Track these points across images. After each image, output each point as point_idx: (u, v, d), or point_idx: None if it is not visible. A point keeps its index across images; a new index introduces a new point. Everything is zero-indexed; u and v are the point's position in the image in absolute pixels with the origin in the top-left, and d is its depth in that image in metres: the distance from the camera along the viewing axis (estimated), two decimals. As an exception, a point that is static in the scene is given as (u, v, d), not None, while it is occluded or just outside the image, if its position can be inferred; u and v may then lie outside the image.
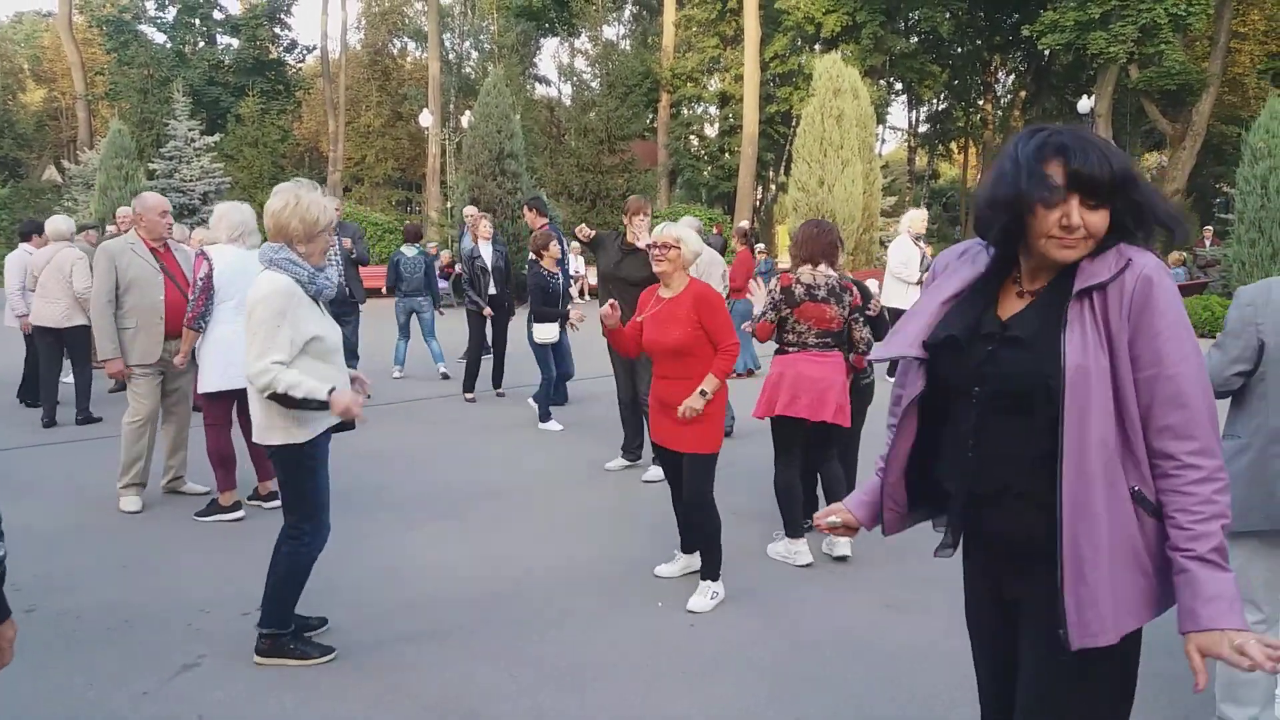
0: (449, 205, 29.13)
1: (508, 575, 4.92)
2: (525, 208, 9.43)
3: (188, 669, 3.80)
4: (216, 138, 25.47)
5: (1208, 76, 29.20)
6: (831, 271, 5.09)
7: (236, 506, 5.84)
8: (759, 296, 5.32)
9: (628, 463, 7.19)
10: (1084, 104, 28.31)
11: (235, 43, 40.51)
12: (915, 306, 2.04)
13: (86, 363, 8.66)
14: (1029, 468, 1.86)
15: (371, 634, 4.14)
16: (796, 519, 5.09)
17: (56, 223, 8.56)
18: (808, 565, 5.03)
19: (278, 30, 42.07)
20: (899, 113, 68.85)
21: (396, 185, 45.97)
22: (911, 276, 10.36)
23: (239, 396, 5.70)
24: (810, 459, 5.21)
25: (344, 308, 8.95)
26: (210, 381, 5.72)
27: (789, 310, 5.01)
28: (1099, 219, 1.80)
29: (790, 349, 5.03)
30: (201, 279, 5.65)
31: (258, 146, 34.85)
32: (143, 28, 39.31)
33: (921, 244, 10.63)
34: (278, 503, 5.65)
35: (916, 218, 11.01)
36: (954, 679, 3.69)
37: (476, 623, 4.30)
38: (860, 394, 5.51)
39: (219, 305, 5.69)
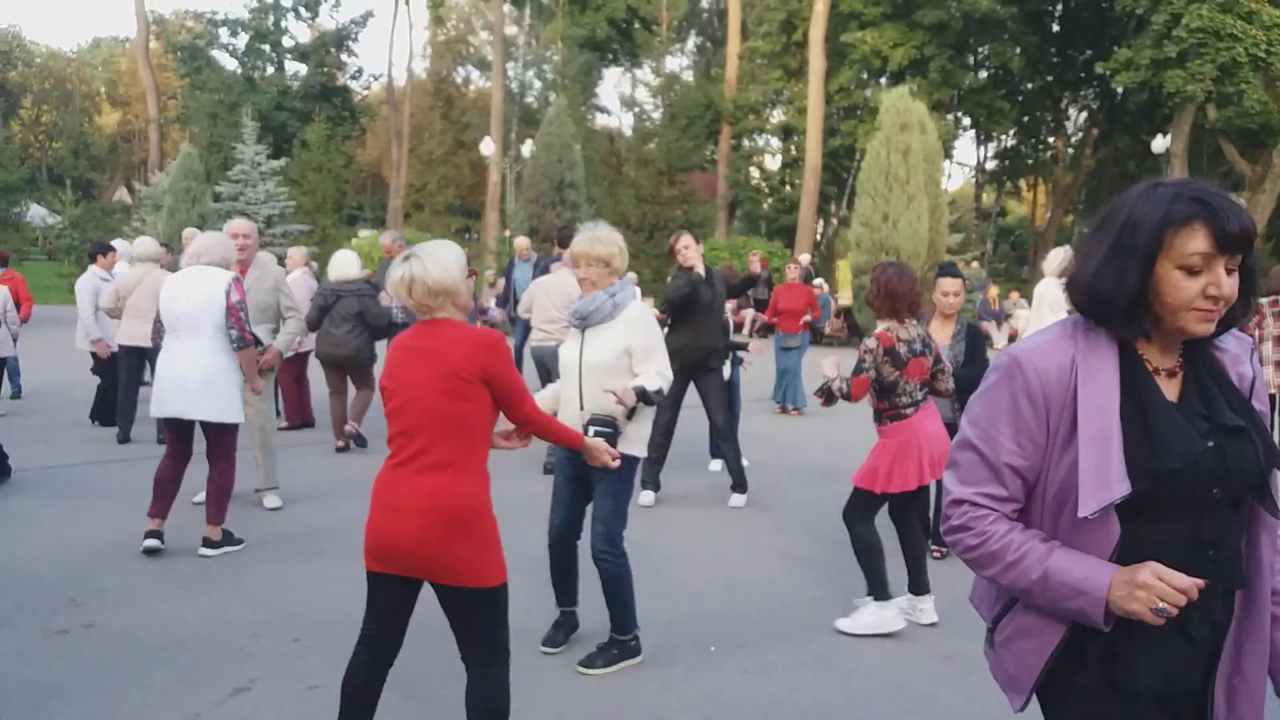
0: (507, 233, 29.29)
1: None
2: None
3: (239, 692, 3.73)
4: (282, 162, 25.83)
5: (1289, 118, 28.38)
6: (915, 320, 4.70)
7: (152, 535, 5.43)
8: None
9: (655, 493, 6.94)
10: (1159, 143, 27.60)
11: (303, 69, 41.42)
12: (1090, 431, 1.69)
13: None
14: (1239, 563, 1.78)
15: (415, 656, 3.96)
16: (884, 579, 4.52)
17: (145, 245, 8.58)
18: (871, 639, 4.47)
19: (344, 57, 43.00)
20: (966, 148, 68.31)
21: (456, 213, 46.45)
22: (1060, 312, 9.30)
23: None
24: (903, 515, 4.77)
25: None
26: (152, 405, 5.44)
27: (898, 373, 4.54)
28: (1234, 284, 1.67)
29: (907, 411, 4.56)
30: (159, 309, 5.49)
31: (322, 172, 35.35)
32: (215, 54, 40.34)
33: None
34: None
35: (1061, 256, 9.50)
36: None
37: (535, 654, 4.09)
38: None
39: (165, 331, 5.46)
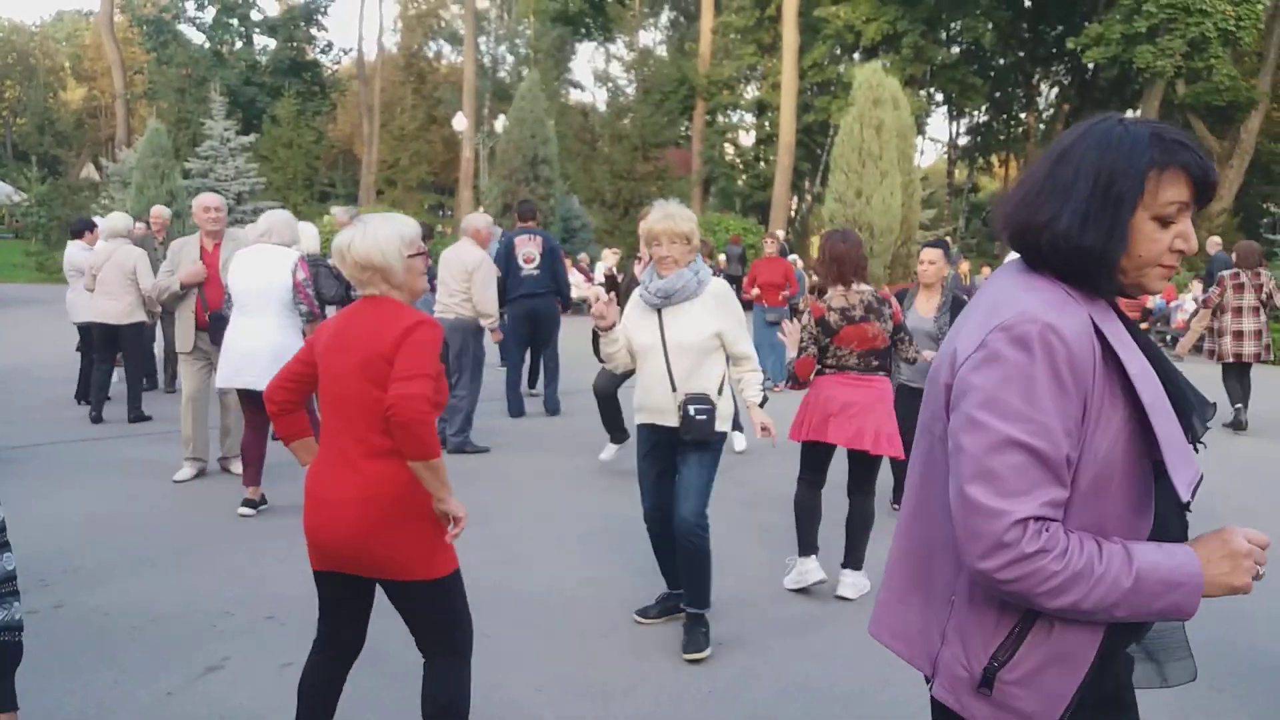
0: (481, 210, 29.12)
1: (536, 584, 4.75)
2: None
3: (212, 670, 3.74)
4: (252, 138, 25.52)
5: (1257, 94, 28.64)
6: (865, 286, 4.75)
7: (250, 504, 5.80)
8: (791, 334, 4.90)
9: (618, 445, 7.24)
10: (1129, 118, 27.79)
11: (272, 43, 40.87)
12: (1149, 398, 1.47)
13: (140, 360, 8.61)
14: None
15: (400, 640, 3.99)
16: (810, 539, 4.74)
17: (115, 220, 8.47)
18: (820, 582, 4.71)
19: (314, 31, 42.42)
20: (939, 124, 68.42)
21: (429, 189, 46.11)
22: None
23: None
24: (849, 487, 4.86)
25: None
26: (221, 377, 5.81)
27: (828, 340, 4.67)
28: None
29: (828, 370, 4.71)
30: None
31: (292, 148, 35.06)
32: (182, 27, 39.72)
33: None
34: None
35: None
36: None
37: (504, 632, 4.14)
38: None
39: (234, 307, 5.78)
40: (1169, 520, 1.52)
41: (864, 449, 4.57)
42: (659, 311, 3.97)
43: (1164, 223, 1.48)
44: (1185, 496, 1.45)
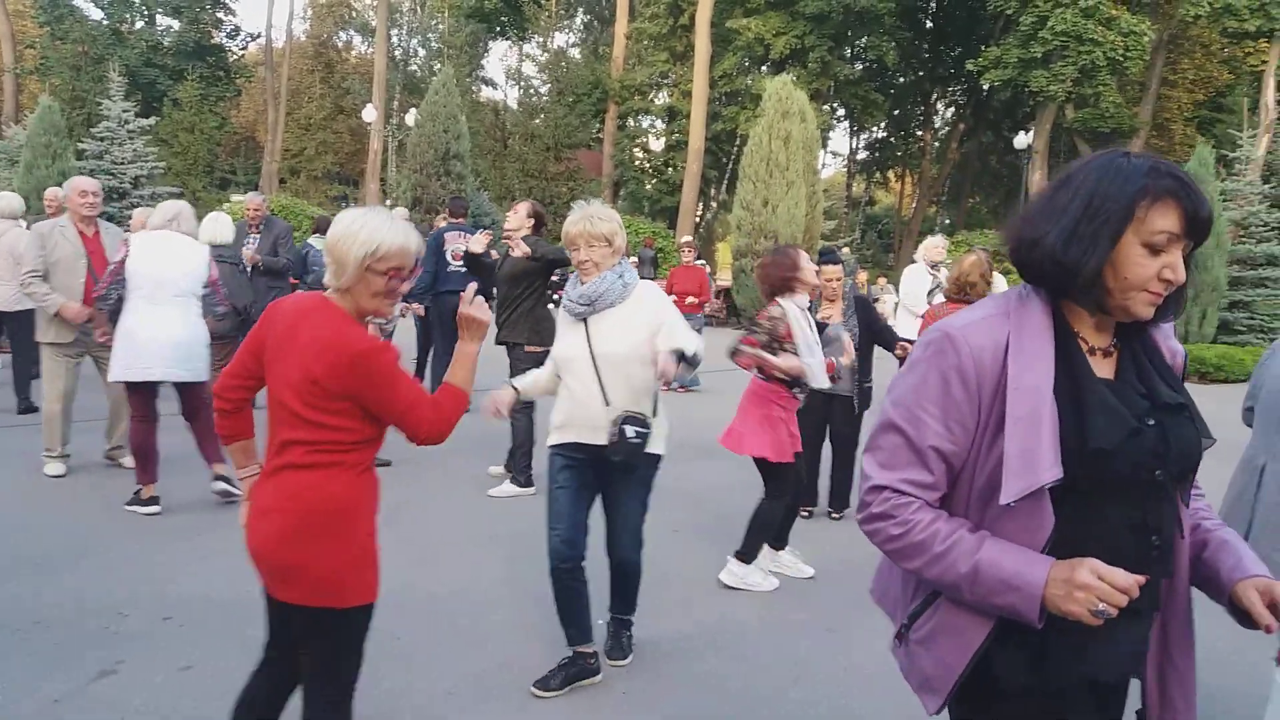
0: (388, 202, 28.67)
1: (439, 587, 4.76)
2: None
3: (105, 675, 3.60)
4: (152, 121, 24.62)
5: (1138, 121, 30.13)
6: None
7: (153, 501, 5.62)
8: None
9: (518, 489, 6.54)
10: (1021, 139, 28.94)
11: (175, 24, 39.49)
12: (1020, 410, 1.57)
13: (29, 349, 8.25)
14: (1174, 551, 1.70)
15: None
16: (784, 536, 5.16)
17: (6, 200, 8.08)
18: (758, 612, 4.77)
19: (221, 15, 41.14)
20: (839, 138, 69.83)
21: (334, 179, 45.19)
22: (918, 307, 8.86)
23: (186, 390, 5.78)
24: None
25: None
26: (114, 371, 5.60)
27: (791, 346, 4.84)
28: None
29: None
30: (114, 264, 5.57)
31: (194, 132, 33.98)
32: (79, 3, 38.07)
33: (938, 272, 9.21)
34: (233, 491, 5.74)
35: (933, 244, 9.35)
36: (899, 702, 3.63)
37: (413, 634, 4.12)
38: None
39: (132, 294, 5.54)
40: (1121, 541, 1.61)
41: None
42: (585, 321, 3.65)
43: (1153, 250, 1.55)
44: (1003, 500, 1.57)
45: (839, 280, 6.13)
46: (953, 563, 1.59)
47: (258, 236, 8.76)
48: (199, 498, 5.94)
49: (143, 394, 5.61)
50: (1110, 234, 1.55)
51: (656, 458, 3.76)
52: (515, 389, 3.82)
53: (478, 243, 6.14)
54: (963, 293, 5.74)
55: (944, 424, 1.63)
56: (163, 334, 5.49)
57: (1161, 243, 1.55)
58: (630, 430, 3.50)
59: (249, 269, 8.30)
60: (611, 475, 3.68)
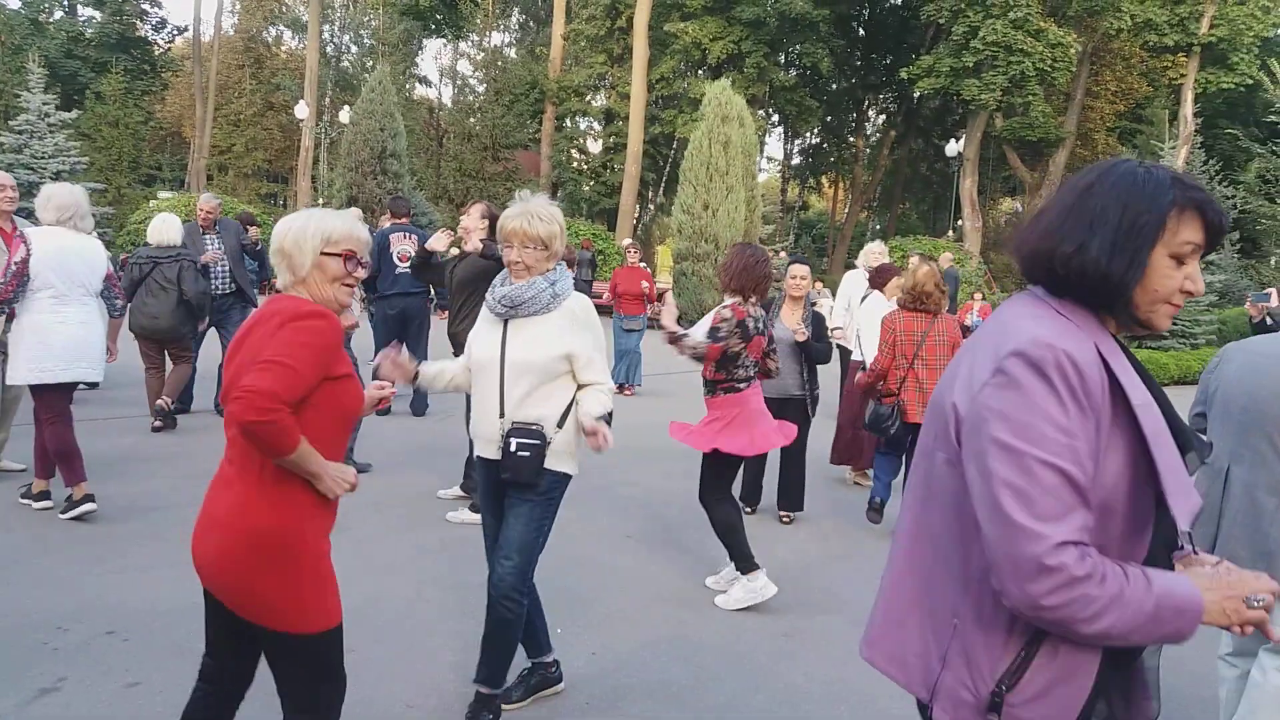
0: (320, 200, 28.20)
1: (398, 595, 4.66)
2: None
3: (46, 693, 3.46)
4: (74, 114, 23.85)
5: (1064, 131, 30.99)
6: (759, 302, 4.99)
7: (88, 500, 5.40)
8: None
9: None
10: (952, 147, 29.57)
11: (98, 15, 38.35)
12: (1152, 427, 1.52)
13: None
14: None
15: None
16: (749, 553, 4.74)
17: None
18: (715, 620, 4.61)
19: (146, 6, 40.06)
20: (774, 144, 70.56)
21: (264, 177, 44.32)
22: (875, 323, 7.86)
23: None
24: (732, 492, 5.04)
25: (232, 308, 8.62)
26: (16, 374, 5.35)
27: (743, 345, 4.77)
28: None
29: (741, 385, 4.84)
30: (16, 262, 5.30)
31: (118, 127, 32.99)
32: (-6, -10, 36.83)
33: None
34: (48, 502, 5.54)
35: (873, 251, 8.94)
36: (859, 708, 3.65)
37: (370, 645, 4.03)
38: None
39: (35, 293, 5.35)
40: (1156, 553, 1.58)
41: (782, 445, 4.95)
42: (505, 323, 3.36)
43: (1179, 261, 1.54)
44: (1184, 526, 1.49)
45: (805, 279, 6.26)
46: (1140, 605, 1.42)
47: (216, 237, 8.61)
48: (137, 504, 5.75)
49: (56, 395, 5.39)
50: (1149, 246, 1.53)
51: (562, 478, 3.38)
52: (417, 370, 3.48)
53: (439, 240, 6.00)
54: (918, 302, 5.84)
55: (1089, 450, 1.47)
56: (76, 333, 5.38)
57: (1186, 253, 1.55)
58: (515, 443, 3.20)
59: (207, 268, 8.32)
60: (510, 493, 3.35)
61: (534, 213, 3.30)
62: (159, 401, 7.72)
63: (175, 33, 42.55)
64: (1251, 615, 1.48)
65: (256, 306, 9.23)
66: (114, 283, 5.75)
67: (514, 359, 3.29)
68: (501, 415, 3.28)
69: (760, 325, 4.86)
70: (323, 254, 2.44)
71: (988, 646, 1.55)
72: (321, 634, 2.38)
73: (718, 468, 4.84)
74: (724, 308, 4.85)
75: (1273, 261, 24.97)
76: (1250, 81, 29.97)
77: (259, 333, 2.33)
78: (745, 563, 4.75)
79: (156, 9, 40.76)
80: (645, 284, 11.91)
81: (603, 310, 13.73)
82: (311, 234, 2.42)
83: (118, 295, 5.79)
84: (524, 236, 3.28)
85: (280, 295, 2.47)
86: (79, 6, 38.61)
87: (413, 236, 8.60)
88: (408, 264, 8.38)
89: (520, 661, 3.71)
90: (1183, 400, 3.60)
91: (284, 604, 2.30)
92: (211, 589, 2.38)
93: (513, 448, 3.21)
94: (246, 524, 2.28)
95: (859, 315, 7.73)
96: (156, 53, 40.84)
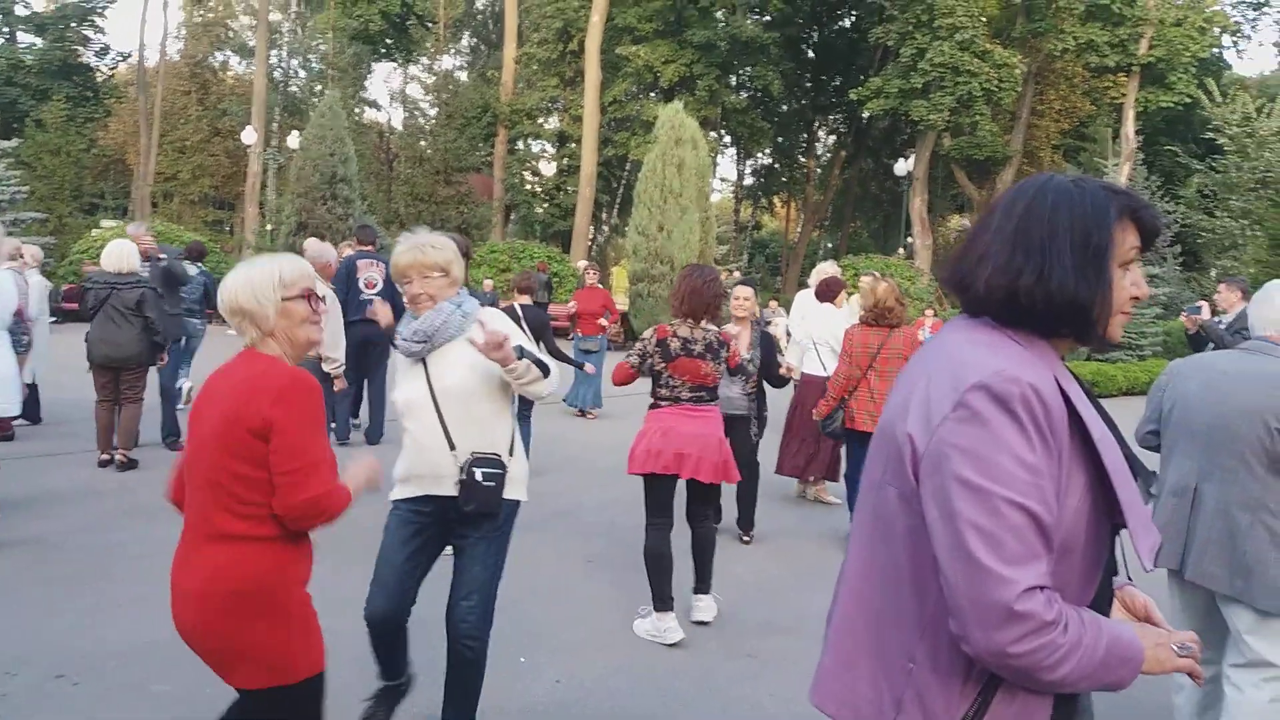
0: (268, 227, 27.85)
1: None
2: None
3: None
4: (14, 143, 23.45)
5: (1010, 150, 31.58)
6: (712, 326, 4.91)
7: None
8: None
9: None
10: (901, 166, 30.00)
11: (39, 42, 37.71)
12: (1112, 461, 1.46)
13: None
14: None
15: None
16: (666, 593, 4.62)
17: None
18: (677, 644, 4.55)
19: (89, 33, 39.45)
20: (727, 165, 71.11)
21: (210, 204, 43.71)
22: (835, 341, 7.28)
23: None
24: (689, 515, 4.95)
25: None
26: None
27: (663, 365, 4.76)
28: None
29: (663, 403, 4.79)
30: None
31: (60, 155, 32.42)
32: (-70, 16, 36.11)
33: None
34: None
35: (826, 270, 8.56)
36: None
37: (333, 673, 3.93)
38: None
39: None
40: (1103, 588, 1.54)
41: (708, 480, 4.69)
42: (424, 362, 3.30)
43: (1124, 269, 1.50)
44: (1149, 564, 1.43)
45: (749, 301, 6.28)
46: (1093, 651, 1.36)
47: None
48: (83, 543, 5.60)
49: None
50: (1106, 263, 1.47)
51: (514, 506, 3.36)
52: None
53: (384, 317, 5.67)
54: (880, 319, 5.96)
55: (1055, 489, 1.39)
56: (5, 369, 5.47)
57: (1131, 259, 1.51)
58: (480, 473, 3.15)
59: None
60: (463, 530, 3.29)
61: (426, 243, 3.29)
62: (118, 457, 7.49)
63: (119, 59, 41.96)
64: (1181, 663, 1.45)
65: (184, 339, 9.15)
66: (23, 316, 5.74)
67: (444, 388, 3.25)
68: (453, 448, 3.21)
69: (697, 349, 4.76)
70: (284, 300, 2.38)
71: (944, 691, 1.47)
72: (309, 681, 2.37)
73: (645, 488, 4.80)
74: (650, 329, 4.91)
75: (1213, 273, 25.55)
76: (1188, 100, 30.87)
77: (242, 406, 2.27)
78: (657, 601, 4.64)
79: (100, 35, 40.18)
80: (608, 310, 12.02)
81: (559, 332, 13.84)
82: (267, 285, 2.36)
83: (24, 331, 5.81)
84: (422, 266, 3.27)
85: (252, 354, 2.39)
86: (19, 33, 37.95)
87: (379, 265, 8.62)
88: (375, 291, 8.38)
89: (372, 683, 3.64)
90: (1132, 413, 3.66)
91: (271, 655, 2.29)
92: (201, 655, 2.34)
93: (479, 477, 3.15)
94: (230, 585, 2.25)
95: (811, 328, 7.79)
96: (100, 79, 40.22)
